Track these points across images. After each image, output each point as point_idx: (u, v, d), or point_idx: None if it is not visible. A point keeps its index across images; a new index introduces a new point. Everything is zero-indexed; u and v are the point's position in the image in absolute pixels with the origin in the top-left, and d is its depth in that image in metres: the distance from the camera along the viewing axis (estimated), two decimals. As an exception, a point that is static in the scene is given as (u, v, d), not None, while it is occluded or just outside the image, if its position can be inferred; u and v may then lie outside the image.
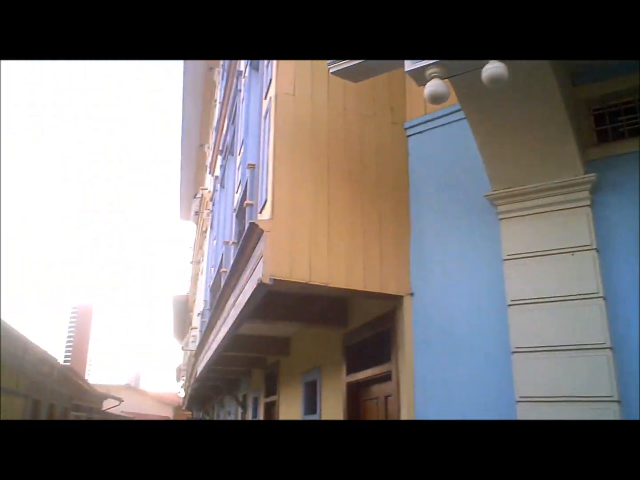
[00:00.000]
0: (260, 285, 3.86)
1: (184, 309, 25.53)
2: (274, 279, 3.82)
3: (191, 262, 22.80)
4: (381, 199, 4.52)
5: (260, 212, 4.37)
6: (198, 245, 18.18)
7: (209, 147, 16.96)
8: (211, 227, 12.68)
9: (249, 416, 10.93)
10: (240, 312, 4.85)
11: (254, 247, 4.22)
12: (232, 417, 14.28)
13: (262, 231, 3.94)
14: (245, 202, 4.88)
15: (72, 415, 17.73)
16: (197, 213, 16.29)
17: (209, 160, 15.66)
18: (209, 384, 13.37)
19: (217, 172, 11.65)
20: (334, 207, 4.30)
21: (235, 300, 5.20)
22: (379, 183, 4.55)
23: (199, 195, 16.62)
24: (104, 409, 24.42)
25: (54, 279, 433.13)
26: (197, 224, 18.89)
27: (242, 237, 4.41)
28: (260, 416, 9.56)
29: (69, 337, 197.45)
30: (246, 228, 4.36)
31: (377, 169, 4.58)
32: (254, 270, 4.16)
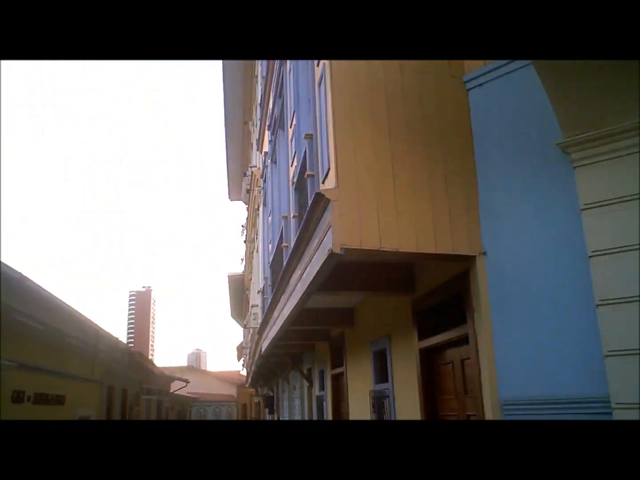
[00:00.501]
0: (331, 255, 3.79)
1: (240, 288, 25.95)
2: (345, 248, 3.75)
3: (245, 241, 23.04)
4: (445, 156, 4.36)
5: (323, 182, 4.28)
6: (251, 223, 18.30)
7: (253, 124, 16.94)
8: (264, 204, 12.71)
9: (316, 389, 11.05)
10: (309, 285, 4.81)
11: (320, 218, 4.15)
12: (297, 392, 14.49)
13: (328, 201, 3.86)
14: (306, 173, 4.79)
15: (143, 399, 18.40)
16: (248, 191, 16.36)
17: (255, 137, 15.67)
18: (272, 360, 13.57)
19: (266, 148, 11.62)
20: (398, 170, 4.17)
21: (302, 274, 5.16)
22: (441, 141, 4.38)
23: (248, 174, 16.65)
24: (172, 391, 25.24)
25: (109, 265, 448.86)
26: (248, 202, 19.01)
27: (307, 209, 4.34)
28: (328, 389, 9.63)
29: (129, 322, 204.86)
30: (310, 199, 4.29)
31: (439, 127, 4.41)
32: (322, 241, 4.09)
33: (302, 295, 5.28)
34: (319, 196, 3.93)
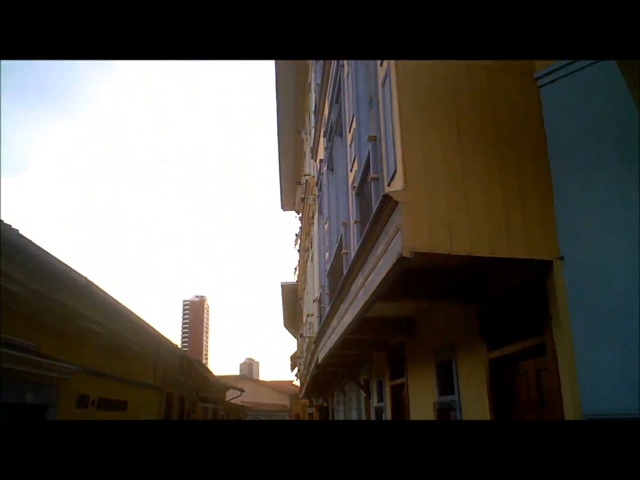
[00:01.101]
0: (400, 260, 3.65)
1: (293, 297, 26.01)
2: (415, 252, 3.59)
3: (298, 250, 23.09)
4: (517, 156, 4.15)
5: (389, 185, 4.15)
6: (305, 232, 18.31)
7: (306, 133, 16.98)
8: (319, 212, 12.66)
9: (374, 401, 10.83)
10: (373, 293, 4.67)
11: (386, 222, 4.01)
12: (354, 403, 14.29)
13: (396, 203, 3.72)
14: (370, 176, 4.67)
15: (200, 407, 18.60)
16: (303, 200, 16.38)
17: (309, 145, 15.70)
18: (328, 370, 13.42)
19: (321, 155, 11.57)
20: (469, 170, 4.00)
21: (365, 281, 5.03)
22: (513, 140, 4.18)
23: (302, 182, 16.68)
24: (227, 399, 25.48)
25: (163, 274, 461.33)
26: (302, 211, 19.04)
27: (372, 213, 4.21)
28: (387, 400, 9.41)
29: (184, 331, 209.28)
30: (374, 204, 4.16)
31: (510, 125, 4.21)
32: (389, 245, 3.95)
33: (365, 303, 5.14)
34: (386, 199, 3.80)
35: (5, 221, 5.02)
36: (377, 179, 4.55)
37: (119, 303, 8.24)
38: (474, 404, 5.41)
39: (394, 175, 4.02)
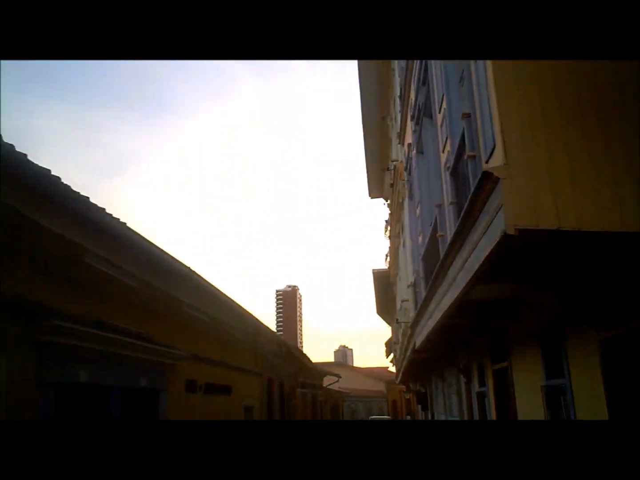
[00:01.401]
0: (504, 238, 3.53)
1: (385, 284, 25.94)
2: (519, 229, 3.46)
3: (389, 237, 22.96)
4: (624, 127, 3.86)
5: (487, 162, 4.02)
6: (395, 218, 18.16)
7: (392, 119, 16.79)
8: (409, 196, 12.51)
9: (475, 386, 10.61)
10: (474, 275, 4.55)
11: (487, 199, 3.89)
12: (453, 388, 14.06)
13: (497, 179, 3.60)
14: (465, 154, 4.55)
15: (299, 392, 19.06)
16: (391, 186, 16.24)
17: (395, 131, 15.51)
18: (425, 356, 13.29)
19: (409, 139, 11.41)
20: (572, 142, 3.78)
21: (464, 263, 4.92)
22: (618, 102, 3.89)
23: (391, 167, 16.54)
24: (324, 385, 25.91)
25: (256, 265, 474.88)
26: (390, 197, 18.89)
27: (471, 192, 4.10)
28: (490, 384, 9.19)
29: (278, 320, 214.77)
30: (473, 181, 4.05)
31: (614, 86, 3.92)
32: (490, 224, 3.83)
33: (464, 286, 5.02)
34: (486, 175, 3.68)
35: (114, 215, 5.37)
36: (474, 156, 4.42)
37: (221, 292, 8.59)
38: (586, 386, 5.16)
39: (492, 151, 3.89)
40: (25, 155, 4.00)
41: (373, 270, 25.10)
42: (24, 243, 4.70)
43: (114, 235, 5.44)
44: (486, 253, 4.01)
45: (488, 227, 3.90)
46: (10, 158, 3.81)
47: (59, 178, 4.41)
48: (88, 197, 4.89)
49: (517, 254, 4.67)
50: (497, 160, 3.77)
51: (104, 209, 5.13)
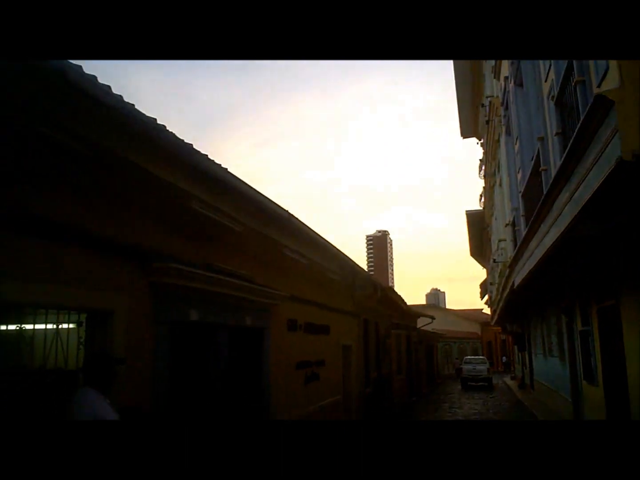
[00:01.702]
0: (619, 165, 3.34)
1: (479, 225, 25.31)
2: (637, 155, 3.26)
3: (484, 176, 22.21)
4: None
5: (599, 86, 3.78)
6: (490, 156, 17.49)
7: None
8: (507, 132, 11.98)
9: (578, 324, 10.30)
10: (583, 209, 4.36)
11: (599, 126, 3.68)
12: (554, 328, 13.72)
13: (611, 103, 3.38)
14: (574, 80, 4.29)
15: (393, 333, 19.34)
16: (487, 122, 15.57)
17: (489, 65, 14.72)
18: (524, 295, 12.99)
19: (506, 72, 10.83)
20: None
21: (571, 197, 4.71)
22: None
23: (485, 104, 15.81)
24: (418, 326, 26.10)
25: (346, 210, 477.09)
26: (485, 135, 18.15)
27: (581, 119, 3.88)
28: (594, 323, 8.89)
29: (369, 266, 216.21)
30: (583, 108, 3.83)
31: None
32: (603, 152, 3.64)
33: (571, 221, 4.83)
34: (599, 99, 3.47)
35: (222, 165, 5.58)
36: (584, 81, 4.16)
37: (318, 235, 8.77)
38: None
39: (605, 74, 3.65)
40: (133, 105, 4.20)
41: (466, 211, 24.51)
42: (137, 192, 5.02)
43: (217, 181, 5.67)
44: (597, 184, 3.83)
45: (600, 155, 3.70)
46: (120, 108, 4.02)
47: (164, 126, 4.61)
48: (192, 144, 5.10)
49: (631, 184, 4.42)
50: (611, 83, 3.54)
51: (206, 155, 5.33)
